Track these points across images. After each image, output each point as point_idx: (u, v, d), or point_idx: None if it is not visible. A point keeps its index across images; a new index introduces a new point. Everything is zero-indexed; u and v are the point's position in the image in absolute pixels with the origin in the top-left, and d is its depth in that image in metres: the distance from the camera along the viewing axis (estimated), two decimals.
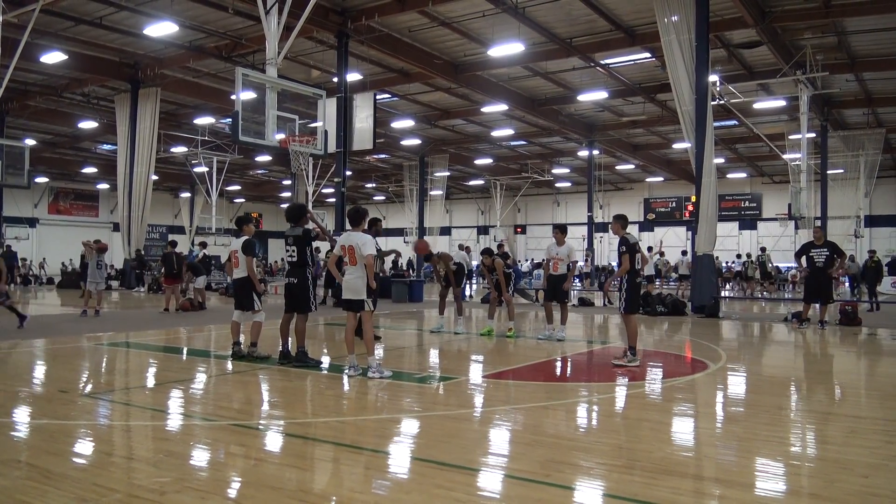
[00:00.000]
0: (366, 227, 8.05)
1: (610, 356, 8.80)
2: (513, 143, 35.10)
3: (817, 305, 13.46)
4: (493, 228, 43.94)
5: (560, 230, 10.98)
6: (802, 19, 17.73)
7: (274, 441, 5.12)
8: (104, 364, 8.92)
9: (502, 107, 26.09)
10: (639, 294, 8.72)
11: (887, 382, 8.07)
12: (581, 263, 32.64)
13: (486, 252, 12.03)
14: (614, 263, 35.24)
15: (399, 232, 40.66)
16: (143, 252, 26.39)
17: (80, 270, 27.92)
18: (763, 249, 28.07)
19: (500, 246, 19.69)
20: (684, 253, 26.65)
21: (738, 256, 26.83)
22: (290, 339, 8.36)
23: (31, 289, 30.53)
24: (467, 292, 21.04)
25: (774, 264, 30.30)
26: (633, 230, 50.69)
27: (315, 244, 8.68)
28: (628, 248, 8.42)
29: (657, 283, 34.65)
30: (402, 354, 9.77)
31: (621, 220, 8.74)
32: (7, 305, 12.17)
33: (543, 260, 11.42)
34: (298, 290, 8.12)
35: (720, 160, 33.87)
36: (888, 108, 26.01)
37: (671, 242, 43.18)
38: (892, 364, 9.56)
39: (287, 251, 8.25)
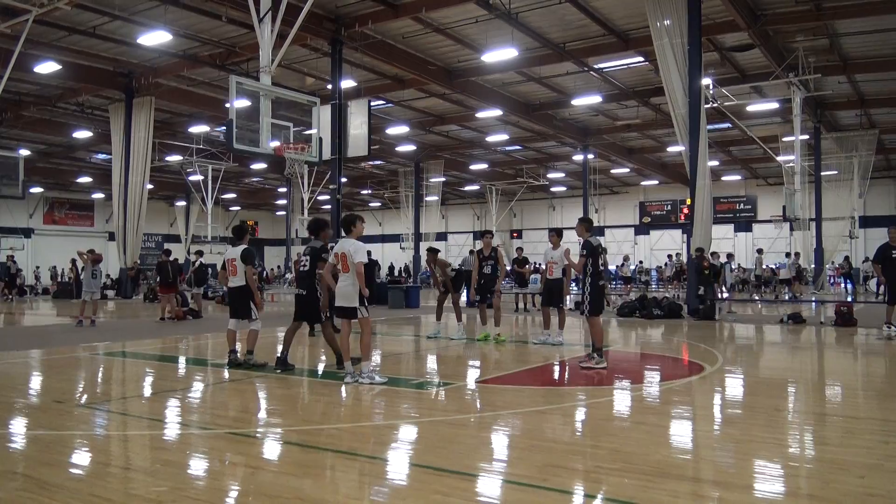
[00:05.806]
0: (361, 233, 8.02)
1: (608, 360, 8.79)
2: (508, 149, 35.17)
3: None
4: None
5: (556, 234, 10.99)
6: (794, 22, 17.84)
7: (271, 449, 5.11)
8: (100, 374, 8.89)
9: (496, 112, 26.15)
10: (602, 296, 8.87)
11: (883, 382, 8.09)
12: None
13: (477, 253, 12.03)
14: (612, 267, 35.20)
15: (395, 238, 40.67)
16: (138, 262, 26.39)
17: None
18: (760, 251, 27.87)
19: (518, 250, 19.70)
20: (788, 255, 25.89)
21: (730, 256, 26.17)
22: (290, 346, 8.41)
23: (27, 299, 30.40)
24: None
25: (767, 266, 30.00)
26: (628, 233, 50.16)
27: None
28: (589, 252, 8.58)
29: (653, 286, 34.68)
30: (399, 360, 9.76)
31: (586, 223, 8.93)
32: None
33: (540, 265, 11.41)
34: (307, 302, 8.35)
35: (714, 163, 34.00)
36: (881, 109, 26.13)
37: (667, 245, 43.30)
38: (888, 364, 9.58)
39: (301, 261, 8.51)
